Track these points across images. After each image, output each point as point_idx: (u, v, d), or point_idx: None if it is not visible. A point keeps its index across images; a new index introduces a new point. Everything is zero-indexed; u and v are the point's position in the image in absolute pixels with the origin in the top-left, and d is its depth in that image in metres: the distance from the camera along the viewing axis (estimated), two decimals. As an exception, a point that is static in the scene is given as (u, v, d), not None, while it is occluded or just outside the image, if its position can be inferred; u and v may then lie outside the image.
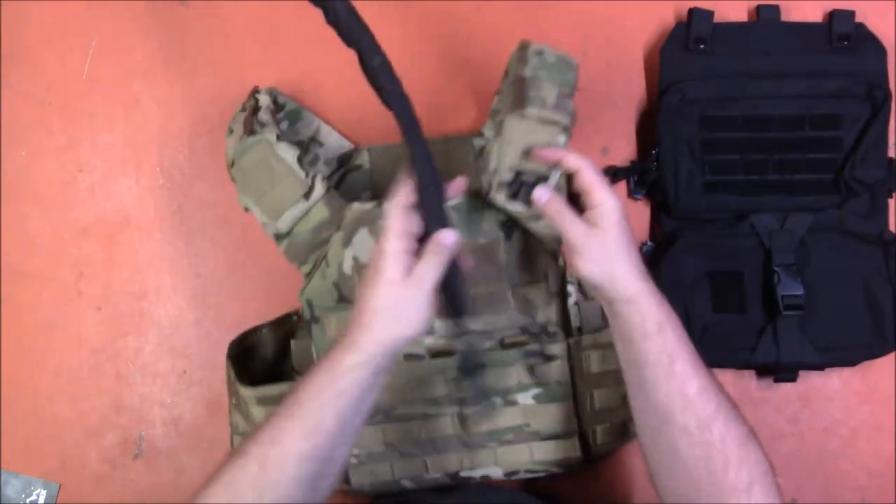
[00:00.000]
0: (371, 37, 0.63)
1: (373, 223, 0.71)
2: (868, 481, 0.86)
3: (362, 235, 0.72)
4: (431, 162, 0.64)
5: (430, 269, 0.62)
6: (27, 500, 0.88)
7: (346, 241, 0.72)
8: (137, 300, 0.89)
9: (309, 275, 0.74)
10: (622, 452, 0.85)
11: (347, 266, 0.72)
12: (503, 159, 0.68)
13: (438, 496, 0.79)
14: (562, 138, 0.68)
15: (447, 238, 0.63)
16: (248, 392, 0.76)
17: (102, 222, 0.90)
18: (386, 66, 0.63)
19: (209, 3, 0.90)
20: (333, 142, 0.87)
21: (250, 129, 0.75)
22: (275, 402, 0.75)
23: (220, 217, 0.89)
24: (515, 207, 0.70)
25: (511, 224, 0.74)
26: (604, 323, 0.76)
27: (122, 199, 0.90)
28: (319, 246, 0.73)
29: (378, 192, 0.87)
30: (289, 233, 0.73)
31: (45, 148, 0.91)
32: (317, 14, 0.90)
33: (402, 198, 0.63)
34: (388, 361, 0.62)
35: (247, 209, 0.74)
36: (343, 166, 0.88)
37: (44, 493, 0.88)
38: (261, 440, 0.60)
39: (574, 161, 0.65)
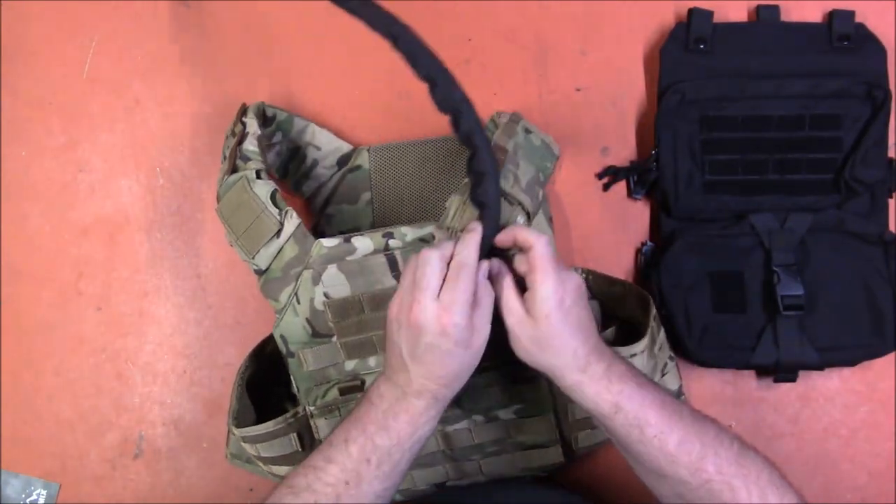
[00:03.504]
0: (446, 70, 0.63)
1: (341, 260, 0.71)
2: (868, 481, 0.86)
3: (332, 272, 0.71)
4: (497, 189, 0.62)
5: (489, 312, 0.62)
6: (27, 500, 0.88)
7: (316, 279, 0.71)
8: (137, 300, 0.89)
9: (281, 311, 0.73)
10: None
11: (319, 302, 0.72)
12: (462, 219, 0.67)
13: (467, 496, 0.80)
14: (521, 220, 0.68)
15: (484, 269, 0.63)
16: (236, 432, 0.77)
17: (102, 222, 0.90)
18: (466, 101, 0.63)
19: (209, 4, 0.90)
20: (329, 144, 0.87)
21: (233, 166, 0.74)
22: (260, 440, 0.76)
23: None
24: None
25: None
26: None
27: (122, 199, 0.90)
28: (290, 282, 0.72)
29: (378, 192, 0.87)
30: (266, 270, 0.72)
31: (45, 148, 0.91)
32: (316, 14, 0.91)
33: (475, 259, 0.61)
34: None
35: (231, 246, 0.74)
36: (342, 167, 0.88)
37: (44, 493, 0.88)
38: (333, 482, 0.61)
39: (527, 238, 0.62)
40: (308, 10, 0.90)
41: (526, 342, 0.62)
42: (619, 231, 0.88)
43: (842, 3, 0.87)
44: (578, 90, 0.89)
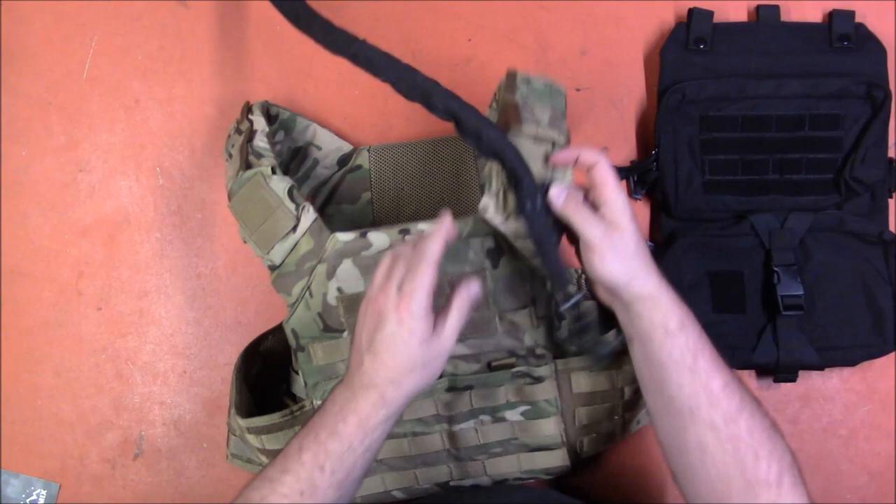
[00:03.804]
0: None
1: (356, 255, 0.72)
2: (868, 481, 0.86)
3: (346, 266, 0.72)
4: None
5: (458, 324, 0.63)
6: (27, 500, 0.88)
7: (331, 274, 0.72)
8: (137, 300, 0.89)
9: (293, 305, 0.74)
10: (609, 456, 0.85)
11: (332, 297, 0.73)
12: (501, 180, 0.68)
13: (467, 496, 0.79)
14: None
15: (472, 290, 0.64)
16: (241, 423, 0.77)
17: (102, 222, 0.90)
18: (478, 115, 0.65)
19: (209, 3, 0.90)
20: (330, 143, 0.87)
21: (246, 162, 0.75)
22: (265, 432, 0.76)
23: (220, 217, 0.90)
24: (512, 226, 0.70)
25: (497, 252, 0.72)
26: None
27: (122, 199, 0.90)
28: (303, 276, 0.72)
29: (378, 192, 0.88)
30: (280, 265, 0.73)
31: (45, 148, 0.91)
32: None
33: (436, 252, 0.61)
34: (406, 406, 0.64)
35: (245, 242, 0.75)
36: (343, 167, 0.88)
37: (44, 493, 0.88)
38: (288, 493, 0.60)
39: (591, 155, 0.65)
40: (308, 10, 0.90)
41: (615, 250, 0.63)
42: (619, 231, 0.88)
43: (842, 3, 0.87)
44: (578, 90, 0.89)
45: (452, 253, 0.72)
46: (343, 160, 0.88)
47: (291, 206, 0.72)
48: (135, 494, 0.88)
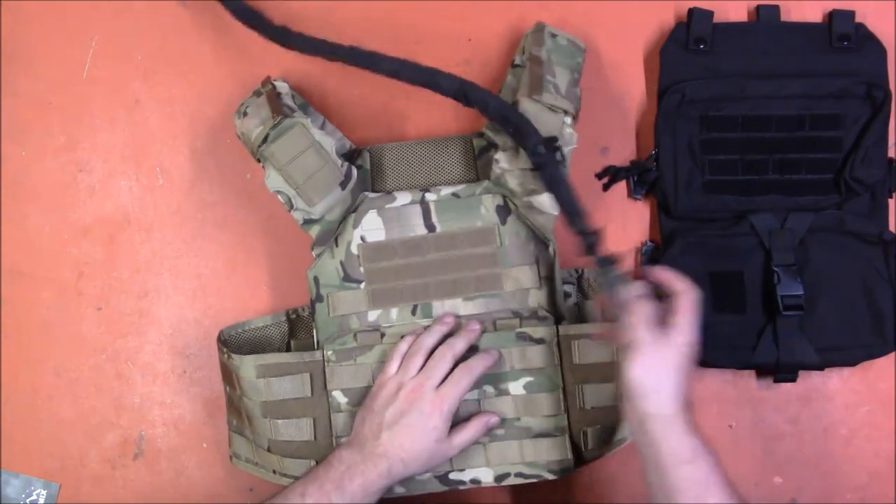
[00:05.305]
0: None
1: (381, 207, 0.79)
2: (868, 481, 0.86)
3: (371, 217, 0.78)
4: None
5: (468, 441, 0.74)
6: (27, 500, 0.88)
7: (357, 223, 0.78)
8: (137, 300, 0.89)
9: (320, 255, 0.78)
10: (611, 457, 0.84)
11: (354, 246, 0.78)
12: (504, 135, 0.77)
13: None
14: (568, 119, 0.76)
15: (492, 420, 0.75)
16: (247, 360, 0.77)
17: (102, 222, 0.90)
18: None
19: (209, 3, 0.90)
20: (336, 141, 0.87)
21: (282, 113, 0.77)
22: (273, 373, 0.77)
23: (220, 217, 0.90)
24: (522, 179, 0.77)
25: (506, 209, 0.78)
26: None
27: (122, 199, 0.90)
28: (336, 227, 0.78)
29: (377, 192, 0.87)
30: (320, 219, 0.77)
31: (45, 148, 0.91)
32: (316, 14, 0.91)
33: (479, 367, 0.74)
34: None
35: (277, 192, 0.77)
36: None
37: (44, 493, 0.88)
38: None
39: (682, 286, 0.70)
40: (308, 11, 0.90)
41: (654, 359, 0.67)
42: (619, 231, 0.88)
43: (842, 3, 0.87)
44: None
45: (465, 208, 0.79)
46: (343, 159, 0.88)
47: (339, 162, 0.77)
48: (135, 494, 0.88)
